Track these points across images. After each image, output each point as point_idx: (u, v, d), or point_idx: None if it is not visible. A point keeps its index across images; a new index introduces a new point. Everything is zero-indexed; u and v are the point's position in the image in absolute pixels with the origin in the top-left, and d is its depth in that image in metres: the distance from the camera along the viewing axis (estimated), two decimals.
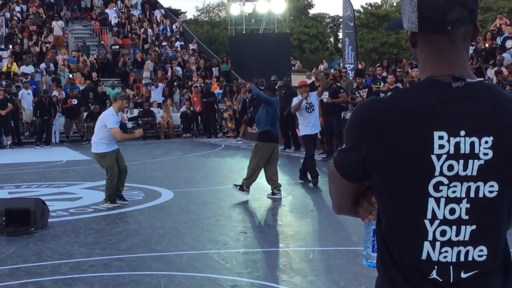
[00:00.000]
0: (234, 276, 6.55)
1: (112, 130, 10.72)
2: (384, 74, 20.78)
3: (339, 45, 66.78)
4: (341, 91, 16.99)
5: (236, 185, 11.35)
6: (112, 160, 10.77)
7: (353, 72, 22.98)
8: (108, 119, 10.77)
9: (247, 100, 22.94)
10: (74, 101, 24.32)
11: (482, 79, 1.92)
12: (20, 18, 31.94)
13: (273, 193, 11.22)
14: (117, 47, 31.12)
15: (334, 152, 15.79)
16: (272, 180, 11.27)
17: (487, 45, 19.83)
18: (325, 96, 16.72)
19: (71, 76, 27.23)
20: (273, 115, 11.32)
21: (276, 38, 34.43)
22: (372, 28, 59.84)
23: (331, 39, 70.70)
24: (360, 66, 26.04)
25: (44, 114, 23.14)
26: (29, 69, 27.17)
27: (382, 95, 13.39)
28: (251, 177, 11.26)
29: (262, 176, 11.28)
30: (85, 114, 24.70)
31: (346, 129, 1.93)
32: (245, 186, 11.24)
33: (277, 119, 11.59)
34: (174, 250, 7.73)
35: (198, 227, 9.11)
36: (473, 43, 17.68)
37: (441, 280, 1.85)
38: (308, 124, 12.60)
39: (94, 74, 27.64)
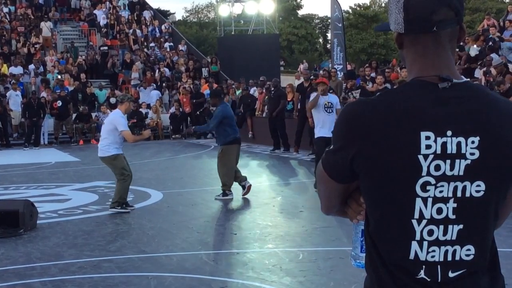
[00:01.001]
0: (223, 277, 6.55)
1: (124, 133, 10.36)
2: (373, 74, 20.86)
3: (328, 46, 66.90)
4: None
5: (218, 196, 11.43)
6: (124, 160, 10.42)
7: (342, 73, 23.04)
8: (119, 122, 10.33)
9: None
10: (58, 103, 24.23)
11: (468, 79, 1.93)
12: (8, 19, 31.81)
13: (244, 188, 11.45)
14: (105, 48, 31.06)
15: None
16: (236, 177, 11.51)
17: (475, 46, 19.91)
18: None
19: (59, 77, 27.16)
20: (229, 124, 11.41)
21: (265, 39, 34.47)
22: (361, 28, 60.00)
23: (320, 40, 70.83)
24: (349, 67, 26.08)
25: (33, 116, 23.03)
26: (18, 70, 27.08)
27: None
28: (228, 181, 11.38)
29: (250, 177, 11.27)
30: (74, 115, 24.63)
31: (334, 130, 1.94)
32: (226, 191, 11.35)
33: (233, 123, 11.62)
34: (164, 251, 7.72)
35: (187, 228, 9.11)
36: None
37: (429, 280, 1.86)
38: (325, 126, 11.74)
39: (82, 75, 27.57)
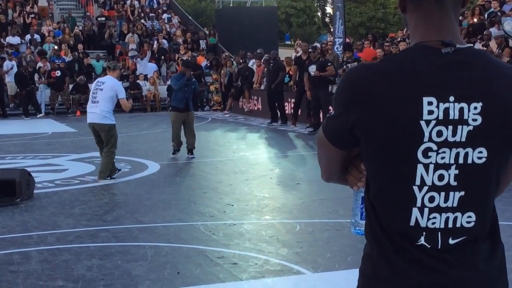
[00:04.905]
0: (220, 247, 6.57)
1: (124, 101, 10.33)
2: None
3: (327, 19, 66.63)
4: (329, 64, 16.96)
5: (191, 155, 12.60)
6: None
7: (341, 46, 22.96)
8: (120, 89, 10.29)
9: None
10: (57, 73, 24.18)
11: (471, 45, 1.90)
12: None
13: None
14: (103, 19, 30.84)
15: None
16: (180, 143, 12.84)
17: (475, 20, 19.80)
18: (313, 69, 16.69)
19: (56, 47, 27.01)
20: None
21: (263, 11, 34.31)
22: (360, 2, 59.65)
23: (319, 13, 70.47)
24: (348, 40, 25.94)
25: (25, 86, 23.06)
26: (15, 40, 26.93)
27: None
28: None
29: (248, 150, 11.27)
30: (70, 86, 24.55)
31: (335, 95, 1.91)
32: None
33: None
34: (161, 221, 7.73)
35: (184, 199, 9.12)
36: None
37: (429, 246, 1.85)
38: None
39: (79, 46, 27.41)
